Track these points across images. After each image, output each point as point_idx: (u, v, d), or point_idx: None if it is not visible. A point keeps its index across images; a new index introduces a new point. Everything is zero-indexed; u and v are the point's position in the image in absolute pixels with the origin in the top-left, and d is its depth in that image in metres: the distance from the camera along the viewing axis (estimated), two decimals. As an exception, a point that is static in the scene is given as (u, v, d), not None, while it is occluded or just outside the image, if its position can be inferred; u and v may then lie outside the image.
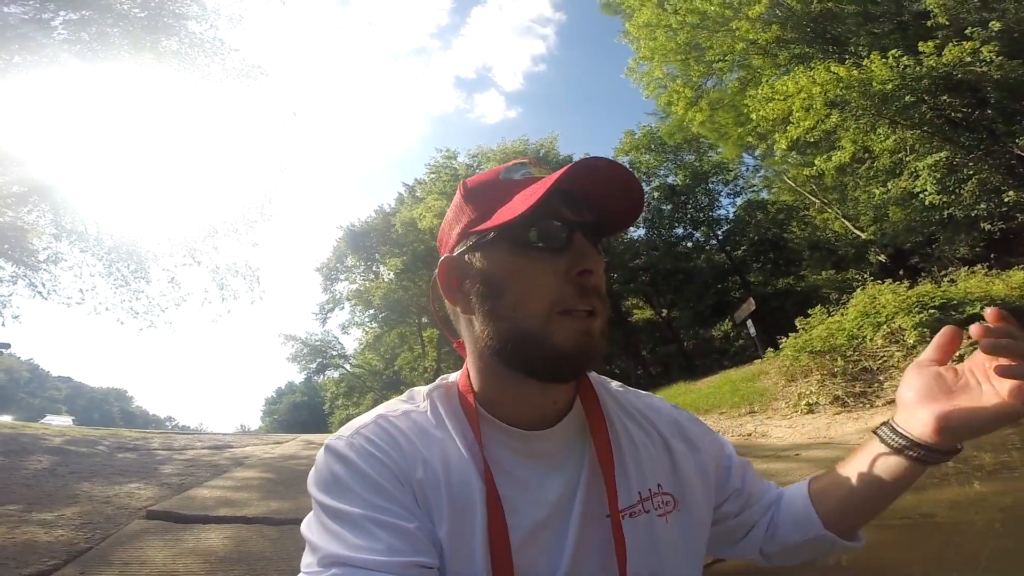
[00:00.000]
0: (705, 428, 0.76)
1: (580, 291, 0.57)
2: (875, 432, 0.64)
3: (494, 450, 0.61)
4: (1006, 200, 9.33)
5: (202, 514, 3.35)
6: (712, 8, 12.50)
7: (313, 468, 0.60)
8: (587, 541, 0.60)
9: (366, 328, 26.51)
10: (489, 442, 0.61)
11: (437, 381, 0.70)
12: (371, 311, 24.62)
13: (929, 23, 9.79)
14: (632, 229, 22.89)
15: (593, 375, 0.72)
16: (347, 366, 27.58)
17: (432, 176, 21.43)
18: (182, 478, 4.59)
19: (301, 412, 48.45)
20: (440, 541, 0.55)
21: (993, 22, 8.99)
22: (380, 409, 0.65)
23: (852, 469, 0.66)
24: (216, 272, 11.09)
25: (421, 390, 0.69)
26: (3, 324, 9.61)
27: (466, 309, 0.63)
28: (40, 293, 9.00)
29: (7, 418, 13.51)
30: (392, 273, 21.86)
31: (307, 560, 0.53)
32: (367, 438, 0.59)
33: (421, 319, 24.55)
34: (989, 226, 9.89)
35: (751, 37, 11.99)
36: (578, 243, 0.58)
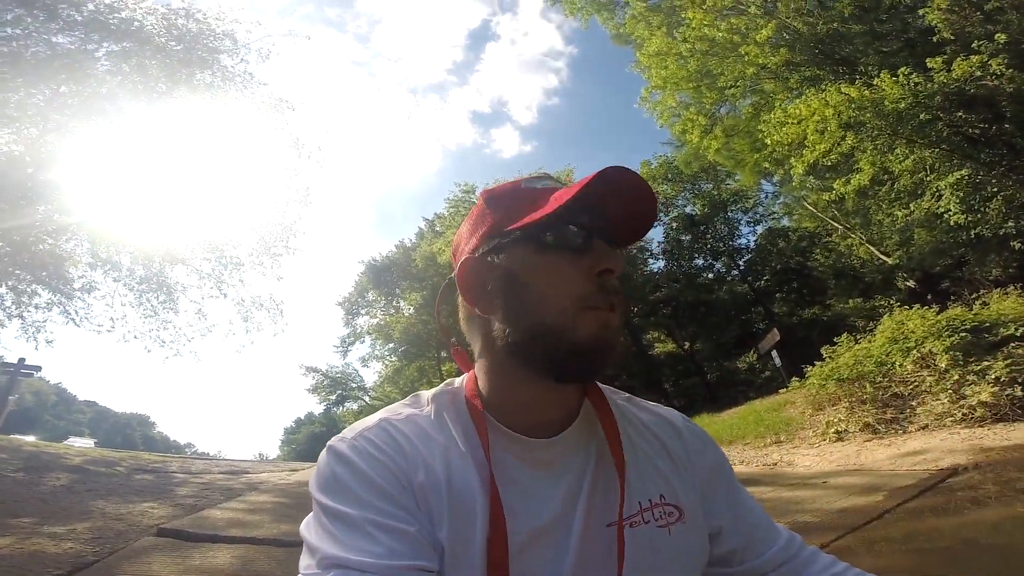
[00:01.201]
0: (709, 439, 0.76)
1: (602, 289, 0.59)
2: None
3: (498, 455, 0.61)
4: (1034, 217, 9.05)
5: (212, 533, 3.33)
6: (720, 34, 12.67)
7: (315, 469, 0.60)
8: (589, 550, 0.59)
9: (386, 361, 26.61)
10: (493, 447, 0.61)
11: (442, 385, 0.70)
12: (391, 345, 24.76)
13: (935, 39, 9.71)
14: (652, 261, 22.75)
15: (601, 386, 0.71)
16: (366, 398, 27.58)
17: (451, 210, 21.81)
18: (196, 499, 4.59)
19: (319, 442, 48.08)
20: (441, 544, 0.55)
21: (998, 35, 8.93)
22: (384, 412, 0.66)
23: None
24: (241, 305, 11.30)
25: (426, 394, 0.69)
26: (36, 348, 9.87)
27: (485, 309, 0.64)
28: (73, 320, 9.25)
29: (32, 438, 13.77)
30: (412, 307, 22.07)
31: (306, 561, 0.53)
32: (370, 440, 0.59)
33: (440, 353, 24.56)
34: (1020, 244, 9.56)
35: (761, 61, 12.09)
36: (599, 245, 0.61)
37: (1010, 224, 9.36)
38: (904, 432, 6.18)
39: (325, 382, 25.45)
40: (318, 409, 47.45)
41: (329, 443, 0.61)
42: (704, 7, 12.68)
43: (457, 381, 0.70)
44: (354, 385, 26.60)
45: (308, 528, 0.56)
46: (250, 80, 10.07)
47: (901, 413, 6.68)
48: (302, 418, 56.54)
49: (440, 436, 0.61)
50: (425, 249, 21.30)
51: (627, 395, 0.76)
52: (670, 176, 21.78)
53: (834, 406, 7.49)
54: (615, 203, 0.62)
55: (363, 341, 25.11)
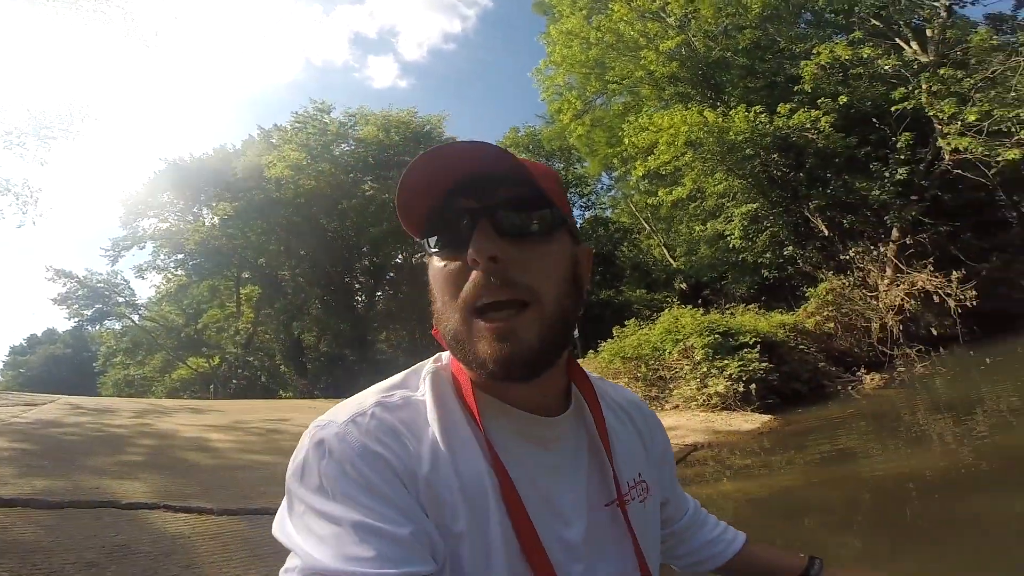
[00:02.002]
0: (661, 425, 0.81)
1: (481, 280, 0.53)
2: (811, 559, 0.81)
3: (500, 435, 0.58)
4: (785, 253, 11.78)
5: (-68, 494, 2.59)
6: (631, 33, 13.45)
7: (295, 457, 0.53)
8: (595, 530, 0.61)
9: (169, 275, 22.67)
10: (495, 426, 0.58)
11: (431, 362, 0.65)
12: (180, 256, 21.16)
13: (796, 88, 11.54)
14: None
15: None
16: (135, 317, 23.18)
17: (296, 126, 19.15)
18: None
19: (62, 368, 39.64)
20: (456, 536, 0.52)
21: (842, 96, 11.01)
22: (375, 394, 0.59)
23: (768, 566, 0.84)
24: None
25: (417, 372, 0.64)
26: None
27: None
28: None
29: None
30: (218, 218, 19.08)
31: (289, 564, 0.48)
32: (365, 430, 0.53)
33: (242, 274, 21.87)
34: (767, 273, 12.38)
35: (652, 68, 13.20)
36: (478, 231, 0.53)
37: (767, 255, 12.04)
38: (662, 410, 7.71)
39: (81, 291, 20.50)
40: (65, 325, 38.50)
41: (314, 429, 0.54)
42: (631, 3, 13.14)
43: (445, 355, 0.66)
44: (121, 299, 22.01)
45: (285, 525, 0.51)
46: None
47: (662, 393, 8.30)
48: (39, 335, 45.75)
49: (441, 421, 0.57)
50: (252, 159, 18.45)
51: (595, 375, 0.75)
52: (531, 148, 22.79)
53: (616, 380, 8.84)
54: (485, 178, 0.56)
55: (143, 247, 20.88)
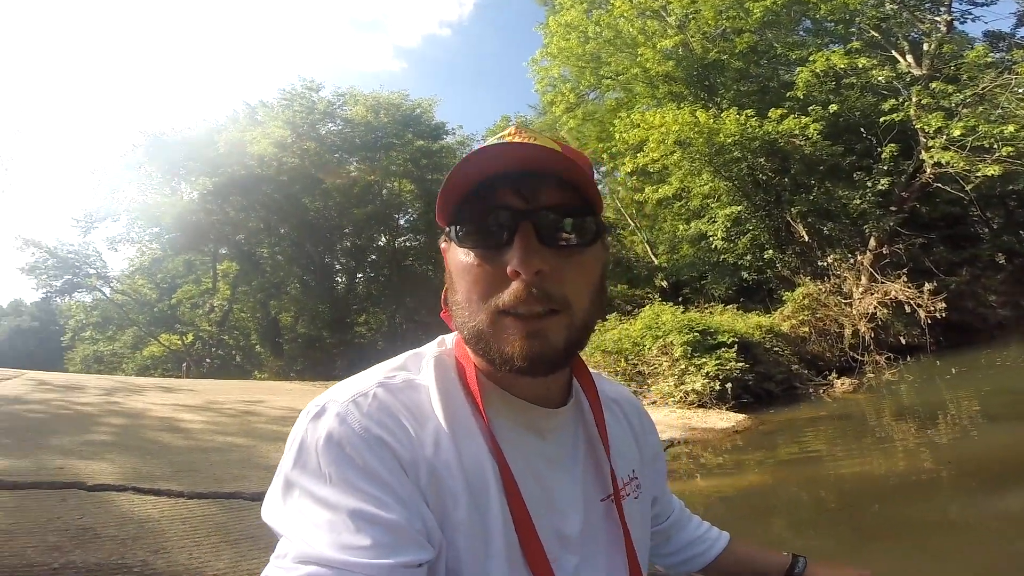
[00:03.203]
0: (653, 424, 0.81)
1: (523, 292, 0.51)
2: (794, 557, 0.84)
3: (500, 425, 0.58)
4: (765, 256, 11.98)
5: None
6: (630, 29, 13.42)
7: (292, 437, 0.52)
8: (590, 522, 0.61)
9: (144, 247, 22.01)
10: (497, 414, 0.58)
11: (434, 345, 0.65)
12: (156, 229, 20.55)
13: (788, 94, 11.68)
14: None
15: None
16: (106, 290, 22.42)
17: (283, 103, 18.63)
18: None
19: (28, 340, 38.40)
20: (456, 523, 0.52)
21: (833, 104, 11.18)
22: (376, 375, 0.58)
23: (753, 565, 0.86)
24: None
25: (420, 355, 0.63)
26: None
27: (450, 296, 0.60)
28: None
29: None
30: (196, 192, 18.55)
31: (281, 550, 0.46)
32: (366, 412, 0.52)
33: (219, 250, 21.32)
34: (746, 275, 12.59)
35: (647, 66, 13.18)
36: (521, 236, 0.52)
37: (748, 258, 12.22)
38: (640, 405, 7.81)
39: (50, 262, 19.77)
40: (32, 296, 37.21)
41: (312, 409, 0.53)
42: (633, 0, 13.04)
43: (449, 339, 0.66)
44: (92, 271, 21.27)
45: (279, 509, 0.49)
46: None
47: (640, 388, 8.40)
48: (4, 307, 44.13)
49: (443, 406, 0.56)
50: (235, 135, 17.93)
51: (593, 371, 0.74)
52: None
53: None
54: (537, 180, 0.54)
55: (117, 219, 20.20)
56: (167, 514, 2.57)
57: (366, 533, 0.45)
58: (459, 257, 0.56)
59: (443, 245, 0.60)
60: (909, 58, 11.69)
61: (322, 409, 0.52)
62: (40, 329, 39.04)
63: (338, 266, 22.05)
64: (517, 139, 0.56)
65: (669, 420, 6.41)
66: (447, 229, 0.58)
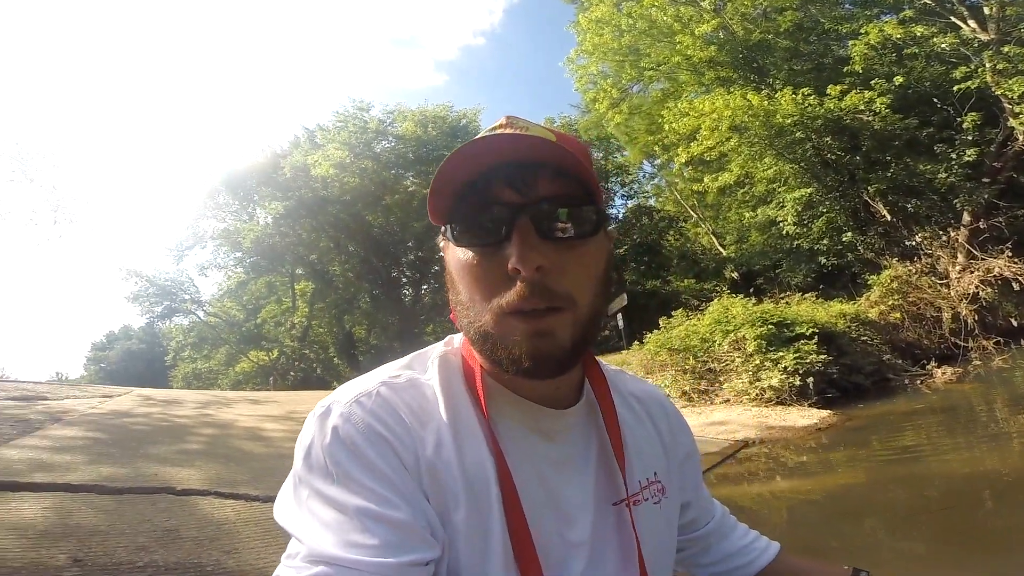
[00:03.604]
0: (686, 423, 0.77)
1: (525, 291, 0.50)
2: (855, 571, 0.72)
3: (504, 424, 0.57)
4: (844, 239, 11.14)
5: (10, 480, 2.80)
6: (664, 18, 13.13)
7: (301, 439, 0.53)
8: (599, 526, 0.59)
9: (229, 272, 23.96)
10: (502, 415, 0.57)
11: (441, 345, 0.64)
12: (238, 254, 22.29)
13: (846, 69, 11.02)
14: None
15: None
16: (200, 313, 24.65)
17: (338, 125, 19.75)
18: (-21, 431, 3.80)
19: (137, 362, 42.57)
20: (455, 524, 0.51)
21: (898, 76, 10.44)
22: (381, 375, 0.58)
23: None
24: (52, 192, 9.16)
25: (427, 355, 0.63)
26: None
27: (452, 297, 0.59)
28: None
29: None
30: (271, 217, 19.95)
31: (292, 550, 0.47)
32: (369, 410, 0.52)
33: (296, 270, 22.79)
34: (825, 260, 11.76)
35: (689, 53, 12.82)
36: (519, 232, 0.50)
37: (824, 242, 11.41)
38: (711, 403, 7.43)
39: (151, 290, 22.01)
40: (139, 322, 41.37)
41: (320, 409, 0.54)
42: None
43: (457, 339, 0.65)
44: (187, 296, 23.48)
45: (289, 509, 0.50)
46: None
47: (711, 386, 8.00)
48: (116, 332, 48.98)
49: (446, 406, 0.56)
50: (298, 159, 19.19)
51: (615, 367, 0.74)
52: None
53: (662, 372, 8.61)
54: (534, 169, 0.53)
55: (204, 247, 22.17)
56: (243, 516, 2.73)
57: (374, 532, 0.46)
58: (458, 256, 0.55)
59: (441, 243, 0.59)
60: (971, 23, 10.57)
61: (327, 409, 0.53)
62: (147, 351, 43.16)
63: (404, 279, 22.87)
64: (508, 131, 0.56)
65: (743, 419, 6.04)
66: (443, 228, 0.57)
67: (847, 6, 13.02)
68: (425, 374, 0.59)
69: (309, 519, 0.48)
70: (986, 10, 10.47)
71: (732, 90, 11.59)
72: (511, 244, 0.50)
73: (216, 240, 21.73)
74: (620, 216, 23.82)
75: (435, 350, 0.63)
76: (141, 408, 6.90)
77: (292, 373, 22.04)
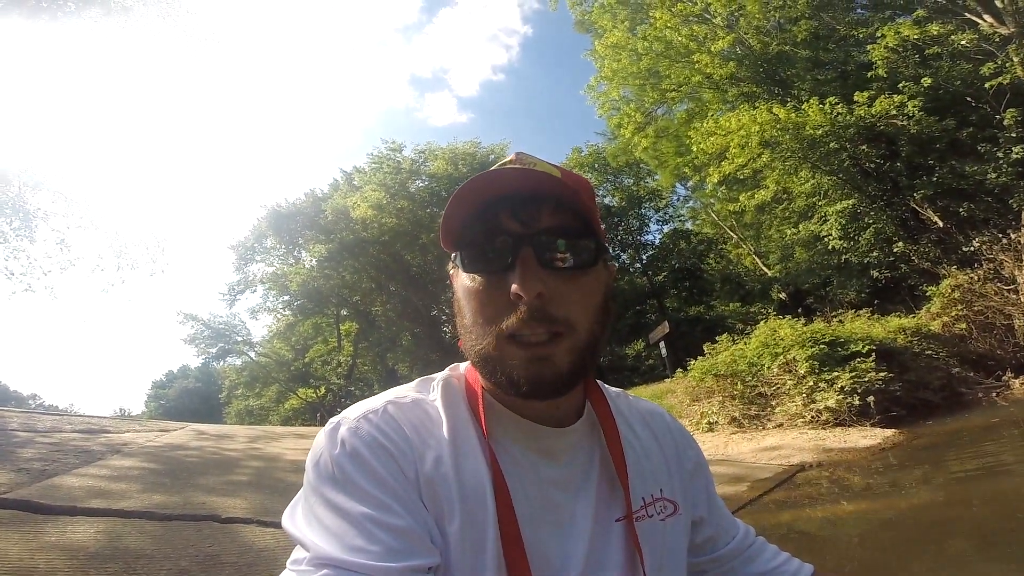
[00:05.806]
0: (691, 438, 0.77)
1: (526, 315, 0.53)
2: None
3: (505, 443, 0.59)
4: (895, 250, 10.57)
5: (68, 505, 2.94)
6: (679, 39, 13.22)
7: (312, 452, 0.57)
8: (599, 544, 0.60)
9: (278, 315, 24.98)
10: (501, 435, 0.60)
11: (447, 370, 0.68)
12: (286, 297, 23.25)
13: (870, 74, 10.78)
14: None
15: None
16: (252, 354, 25.73)
17: (373, 166, 20.69)
18: (45, 464, 4.02)
19: (193, 399, 44.59)
20: (449, 536, 0.53)
21: (925, 78, 10.12)
22: (389, 395, 0.62)
23: None
24: (116, 238, 9.94)
25: (433, 379, 0.66)
26: None
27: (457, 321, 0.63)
28: None
29: None
30: (314, 260, 20.80)
31: (297, 555, 0.50)
32: (375, 425, 0.56)
33: (340, 311, 23.51)
34: (877, 273, 11.15)
35: (708, 71, 12.83)
36: (522, 260, 0.54)
37: (875, 254, 10.85)
38: (763, 428, 7.03)
39: (206, 332, 23.21)
40: (195, 362, 43.61)
41: (329, 425, 0.57)
42: (672, 10, 13.02)
43: (463, 365, 0.67)
44: (239, 338, 24.64)
45: (296, 516, 0.53)
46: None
47: (763, 411, 7.59)
48: (175, 371, 51.63)
49: (447, 424, 0.59)
50: (338, 202, 20.09)
51: (616, 389, 0.76)
52: (596, 166, 22.69)
53: (709, 399, 8.26)
54: (537, 203, 0.56)
55: (254, 290, 23.27)
56: (282, 544, 2.75)
57: (378, 538, 0.48)
58: (465, 282, 0.58)
59: (451, 271, 0.63)
60: (987, 18, 10.16)
61: (337, 424, 0.57)
62: (203, 388, 45.17)
63: (444, 316, 23.16)
64: (516, 166, 0.59)
65: (799, 443, 5.69)
66: (452, 256, 0.61)
67: (859, 10, 12.84)
68: (429, 395, 0.63)
69: (315, 526, 0.50)
70: (998, 3, 10.09)
71: (757, 105, 11.42)
72: (514, 272, 0.54)
73: (264, 284, 22.77)
74: (657, 242, 23.49)
75: (440, 375, 0.66)
76: (195, 442, 7.14)
77: (339, 409, 22.39)
